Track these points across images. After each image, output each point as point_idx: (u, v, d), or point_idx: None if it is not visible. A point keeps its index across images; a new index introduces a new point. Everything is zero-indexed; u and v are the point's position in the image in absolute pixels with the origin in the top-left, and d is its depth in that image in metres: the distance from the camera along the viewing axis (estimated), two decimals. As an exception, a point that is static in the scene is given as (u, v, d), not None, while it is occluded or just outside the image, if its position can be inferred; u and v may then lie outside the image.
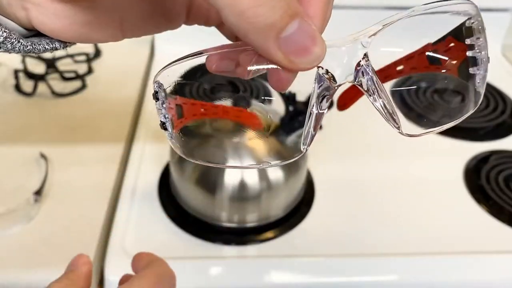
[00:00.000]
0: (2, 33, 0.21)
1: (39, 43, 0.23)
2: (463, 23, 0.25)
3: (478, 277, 0.54)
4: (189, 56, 0.22)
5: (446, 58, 0.27)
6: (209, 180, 0.54)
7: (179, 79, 0.23)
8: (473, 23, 0.25)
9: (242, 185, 0.53)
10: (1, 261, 0.52)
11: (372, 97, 0.24)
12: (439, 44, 0.27)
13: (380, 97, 0.24)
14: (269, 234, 0.56)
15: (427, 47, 0.27)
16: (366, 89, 0.24)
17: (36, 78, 0.78)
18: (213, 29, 0.91)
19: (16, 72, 0.79)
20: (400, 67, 0.30)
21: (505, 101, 0.82)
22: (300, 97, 0.53)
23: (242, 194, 0.54)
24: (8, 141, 0.69)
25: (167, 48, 0.91)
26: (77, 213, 0.58)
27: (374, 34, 0.23)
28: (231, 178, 0.53)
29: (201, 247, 0.55)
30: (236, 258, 0.54)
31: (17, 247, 0.53)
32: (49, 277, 0.51)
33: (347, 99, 0.35)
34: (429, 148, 0.72)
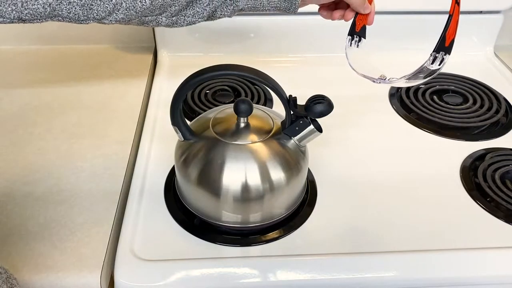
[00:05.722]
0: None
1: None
2: None
3: (476, 273, 0.55)
4: None
5: None
6: (213, 182, 0.54)
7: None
8: None
9: (245, 186, 0.53)
10: (12, 265, 0.52)
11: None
12: None
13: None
14: (273, 234, 0.57)
15: None
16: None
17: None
18: (209, 38, 0.95)
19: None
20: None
21: (498, 100, 0.84)
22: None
23: (245, 195, 0.54)
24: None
25: (170, 56, 0.93)
26: (87, 217, 0.59)
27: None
28: (234, 179, 0.53)
29: (206, 248, 0.56)
30: (241, 258, 0.55)
31: (27, 251, 0.54)
32: (59, 281, 0.52)
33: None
34: (426, 147, 0.73)
